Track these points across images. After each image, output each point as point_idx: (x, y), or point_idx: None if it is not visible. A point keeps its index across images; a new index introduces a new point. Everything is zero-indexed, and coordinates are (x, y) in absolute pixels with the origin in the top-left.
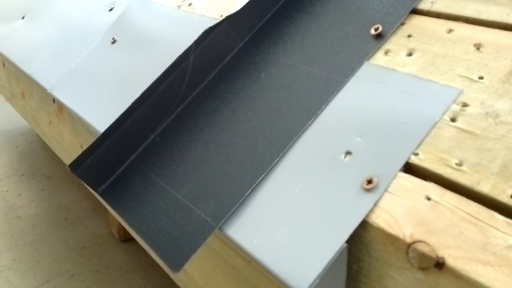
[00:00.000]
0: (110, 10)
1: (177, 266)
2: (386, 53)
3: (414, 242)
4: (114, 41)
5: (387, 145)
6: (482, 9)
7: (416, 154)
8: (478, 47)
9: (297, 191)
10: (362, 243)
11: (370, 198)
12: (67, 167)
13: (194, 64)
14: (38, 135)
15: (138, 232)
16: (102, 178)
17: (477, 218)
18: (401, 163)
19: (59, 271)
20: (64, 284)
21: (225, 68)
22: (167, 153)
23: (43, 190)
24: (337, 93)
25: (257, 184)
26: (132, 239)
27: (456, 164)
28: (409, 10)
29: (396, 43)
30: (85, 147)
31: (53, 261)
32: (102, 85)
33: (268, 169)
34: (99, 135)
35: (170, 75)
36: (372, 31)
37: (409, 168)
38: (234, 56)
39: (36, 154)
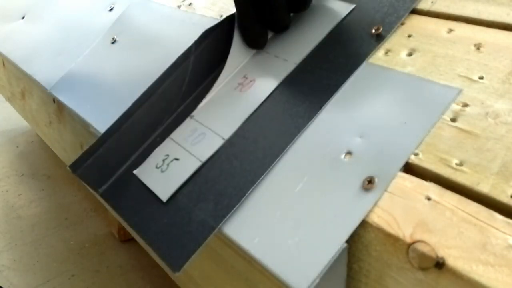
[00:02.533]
0: (110, 10)
1: (177, 266)
2: (386, 53)
3: (414, 242)
4: (114, 41)
5: (387, 145)
6: (482, 9)
7: (416, 154)
8: (478, 47)
9: (297, 191)
10: (362, 243)
11: (370, 198)
12: (67, 167)
13: (194, 64)
14: (38, 135)
15: (138, 232)
16: (102, 179)
17: (477, 218)
18: (401, 163)
19: (59, 271)
20: (64, 284)
21: None
22: None
23: (43, 190)
24: (337, 93)
25: (257, 184)
26: (132, 239)
27: (456, 164)
28: (409, 10)
29: (396, 43)
30: (85, 147)
31: (53, 261)
32: (102, 85)
33: (268, 169)
34: (99, 135)
35: (170, 75)
36: (372, 31)
37: (409, 168)
38: None
39: (36, 154)
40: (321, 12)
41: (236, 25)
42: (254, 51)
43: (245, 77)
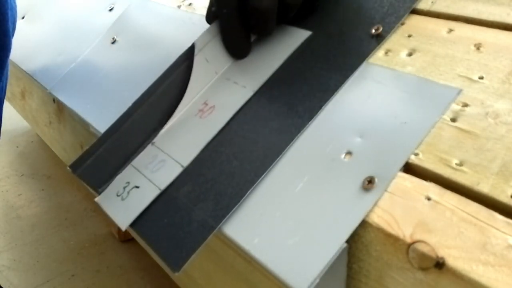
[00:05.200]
0: (110, 10)
1: (177, 266)
2: (386, 53)
3: (414, 242)
4: (114, 41)
5: (387, 145)
6: (482, 9)
7: (416, 154)
8: (478, 47)
9: (297, 191)
10: (362, 243)
11: (370, 198)
12: (68, 167)
13: None
14: (38, 135)
15: (138, 232)
16: (102, 179)
17: (477, 218)
18: (401, 163)
19: (59, 271)
20: (64, 284)
21: None
22: None
23: (43, 190)
24: (337, 93)
25: (257, 184)
26: (132, 239)
27: (456, 164)
28: (409, 10)
29: (396, 43)
30: (85, 147)
31: (53, 261)
32: (102, 85)
33: (268, 169)
34: (99, 135)
35: (170, 75)
36: (372, 31)
37: (409, 168)
38: None
39: (36, 154)
40: (279, 39)
41: (197, 47)
42: (215, 76)
43: (205, 103)
